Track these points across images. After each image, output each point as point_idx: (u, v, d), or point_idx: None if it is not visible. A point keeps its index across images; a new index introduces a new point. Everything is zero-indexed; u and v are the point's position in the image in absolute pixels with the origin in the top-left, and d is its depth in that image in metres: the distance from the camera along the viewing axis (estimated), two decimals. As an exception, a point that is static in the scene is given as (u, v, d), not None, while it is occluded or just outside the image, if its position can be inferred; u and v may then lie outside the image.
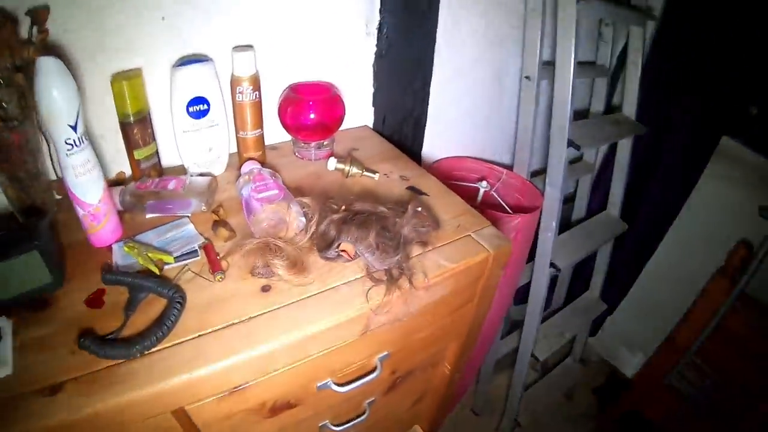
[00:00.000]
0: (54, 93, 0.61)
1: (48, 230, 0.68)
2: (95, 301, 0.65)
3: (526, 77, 1.20)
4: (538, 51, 1.16)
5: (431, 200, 0.86)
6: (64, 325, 0.62)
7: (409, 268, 0.69)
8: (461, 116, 1.27)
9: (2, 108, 0.62)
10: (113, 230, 0.74)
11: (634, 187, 1.51)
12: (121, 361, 0.57)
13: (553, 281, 1.65)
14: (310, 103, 0.90)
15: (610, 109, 1.53)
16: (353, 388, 0.75)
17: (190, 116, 0.82)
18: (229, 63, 0.85)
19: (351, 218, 0.70)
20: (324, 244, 0.70)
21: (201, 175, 0.86)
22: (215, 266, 0.68)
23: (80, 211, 0.70)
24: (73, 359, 0.57)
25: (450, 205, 0.85)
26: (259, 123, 0.89)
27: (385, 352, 0.77)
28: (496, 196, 1.19)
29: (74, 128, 0.64)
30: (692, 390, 1.53)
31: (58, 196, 0.80)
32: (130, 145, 0.81)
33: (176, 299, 0.63)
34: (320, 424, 0.82)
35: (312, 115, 0.90)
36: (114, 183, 0.84)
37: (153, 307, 0.64)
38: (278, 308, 0.64)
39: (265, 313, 0.63)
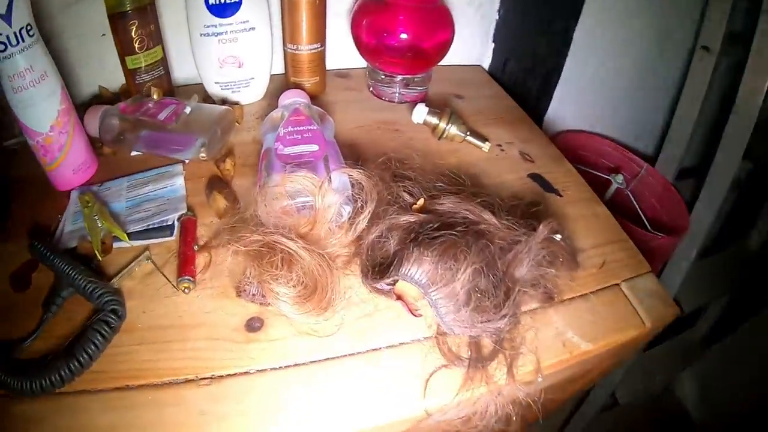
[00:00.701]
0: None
1: None
2: (21, 277, 0.38)
3: (704, 47, 0.74)
4: (726, 16, 0.70)
5: (564, 207, 0.47)
6: None
7: (512, 342, 0.34)
8: (603, 80, 0.82)
9: None
10: (78, 170, 0.46)
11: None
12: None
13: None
14: (401, 17, 0.51)
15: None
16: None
17: (211, 12, 0.48)
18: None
19: (430, 231, 0.34)
20: (372, 266, 0.35)
21: (223, 102, 0.52)
22: (184, 267, 0.37)
23: (29, 140, 0.43)
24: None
25: (592, 220, 0.47)
26: (319, 34, 0.53)
27: None
28: (633, 198, 0.77)
29: (7, 20, 0.36)
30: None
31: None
32: (123, 49, 0.49)
33: (106, 316, 0.34)
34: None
35: (403, 35, 0.52)
36: (113, 100, 0.51)
37: (83, 309, 0.35)
38: (263, 371, 0.33)
39: (238, 374, 0.32)
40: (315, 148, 0.42)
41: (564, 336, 0.37)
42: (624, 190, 0.76)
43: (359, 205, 0.39)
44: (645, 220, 0.71)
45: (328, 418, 0.31)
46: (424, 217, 0.35)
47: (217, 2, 0.47)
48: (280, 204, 0.37)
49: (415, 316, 0.33)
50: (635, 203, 0.73)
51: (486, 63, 0.71)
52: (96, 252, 0.38)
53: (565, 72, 0.76)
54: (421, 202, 0.37)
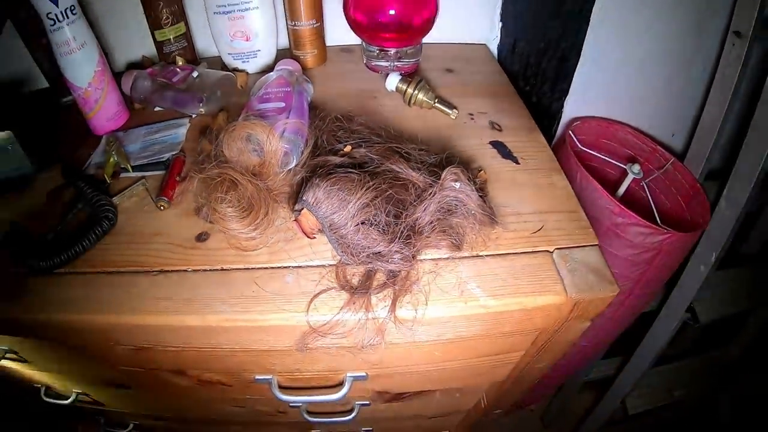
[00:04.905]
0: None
1: (29, 113, 0.57)
2: (54, 194, 0.50)
3: (735, 33, 0.66)
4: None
5: (519, 175, 0.48)
6: (26, 217, 0.48)
7: (404, 279, 0.36)
8: (631, 66, 0.76)
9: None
10: (110, 119, 0.57)
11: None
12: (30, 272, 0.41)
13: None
14: None
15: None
16: (305, 402, 0.48)
17: None
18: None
19: (339, 170, 0.38)
20: (296, 198, 0.40)
21: (234, 70, 0.61)
22: (164, 190, 0.46)
23: (73, 94, 0.54)
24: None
25: (544, 189, 0.46)
26: (315, 11, 0.59)
27: (361, 373, 0.47)
28: (647, 190, 0.71)
29: (54, 1, 0.47)
30: None
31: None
32: (152, 24, 0.59)
33: (101, 221, 0.44)
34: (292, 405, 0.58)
35: (391, 11, 0.56)
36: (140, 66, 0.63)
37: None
38: (195, 271, 0.40)
39: (178, 271, 0.40)
40: (281, 105, 0.48)
41: (464, 286, 0.38)
42: (640, 180, 0.70)
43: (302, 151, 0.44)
44: (656, 214, 0.66)
45: (233, 312, 0.36)
46: (343, 160, 0.40)
47: (225, -16, 0.56)
48: (237, 145, 0.44)
49: (309, 237, 0.38)
50: (648, 195, 0.68)
51: (494, 43, 0.71)
52: (105, 177, 0.49)
53: (587, 55, 0.72)
54: (347, 148, 0.42)
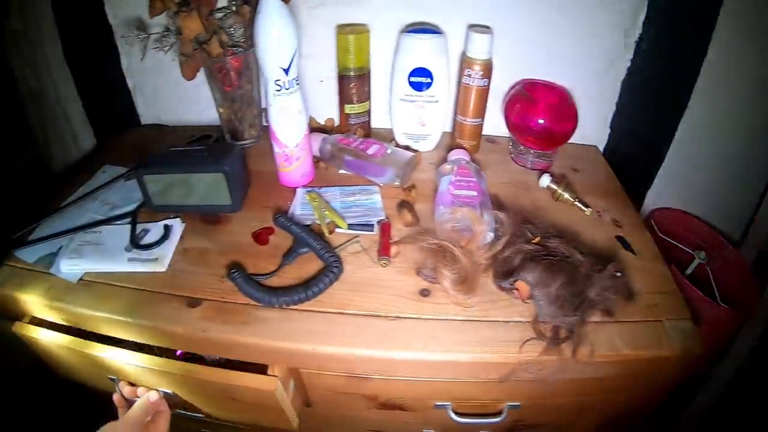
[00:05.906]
0: (271, 33, 0.63)
1: (238, 157, 0.74)
2: (261, 237, 0.70)
3: None
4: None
5: (636, 263, 0.74)
6: (226, 248, 0.69)
7: (579, 335, 0.63)
8: (704, 166, 1.06)
9: (228, 33, 0.68)
10: (303, 175, 0.77)
11: None
12: (259, 304, 0.62)
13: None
14: (543, 107, 0.83)
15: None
16: (471, 423, 0.73)
17: (411, 86, 0.81)
18: (460, 39, 0.81)
19: (541, 256, 0.65)
20: (502, 272, 0.66)
21: (406, 147, 0.87)
22: (384, 250, 0.69)
23: (275, 148, 0.74)
24: (219, 283, 0.64)
25: (654, 276, 0.72)
26: (481, 112, 0.85)
27: (517, 403, 0.72)
28: (710, 273, 1.01)
29: (286, 71, 0.66)
30: None
31: (265, 124, 0.86)
32: (343, 99, 0.83)
33: (332, 268, 0.64)
34: (425, 431, 0.81)
35: (541, 121, 0.83)
36: (319, 129, 0.89)
37: (309, 265, 0.67)
38: (426, 319, 0.62)
39: (412, 318, 0.62)
40: (474, 193, 0.73)
41: (613, 341, 0.63)
42: (705, 265, 1.01)
43: (499, 235, 0.70)
44: (716, 292, 0.95)
45: (461, 350, 0.60)
46: (538, 248, 0.67)
47: (417, 81, 0.81)
48: (450, 225, 0.71)
49: (524, 302, 0.63)
50: (711, 278, 0.98)
51: (601, 144, 0.99)
52: (324, 231, 0.70)
53: (670, 157, 1.03)
54: (537, 239, 0.68)
